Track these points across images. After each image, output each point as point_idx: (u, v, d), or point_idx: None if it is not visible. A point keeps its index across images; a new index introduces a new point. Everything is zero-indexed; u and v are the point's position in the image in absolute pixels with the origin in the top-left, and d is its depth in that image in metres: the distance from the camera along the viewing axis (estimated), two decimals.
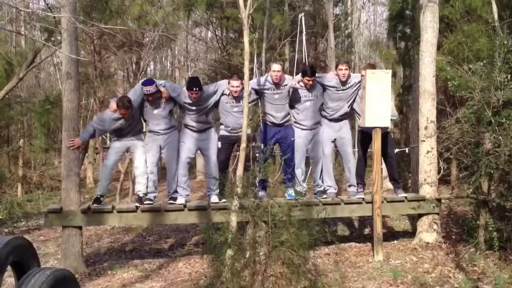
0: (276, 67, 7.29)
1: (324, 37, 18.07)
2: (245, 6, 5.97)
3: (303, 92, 7.51)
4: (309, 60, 12.36)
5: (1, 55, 15.66)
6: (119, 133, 7.36)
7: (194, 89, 7.08)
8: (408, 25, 14.68)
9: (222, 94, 7.40)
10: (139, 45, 12.70)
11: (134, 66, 13.21)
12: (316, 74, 7.55)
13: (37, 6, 14.59)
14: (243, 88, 7.13)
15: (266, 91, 7.44)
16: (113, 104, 7.06)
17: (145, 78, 7.52)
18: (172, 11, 13.19)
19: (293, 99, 7.55)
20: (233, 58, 16.18)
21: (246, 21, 6.00)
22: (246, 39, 6.09)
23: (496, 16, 9.11)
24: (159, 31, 12.03)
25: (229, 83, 7.33)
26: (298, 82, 7.44)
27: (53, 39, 12.28)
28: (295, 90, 7.45)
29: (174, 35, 14.88)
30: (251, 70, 10.63)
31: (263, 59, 12.98)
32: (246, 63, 6.15)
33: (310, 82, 7.36)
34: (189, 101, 7.23)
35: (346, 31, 22.32)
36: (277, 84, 7.36)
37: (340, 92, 7.56)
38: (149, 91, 7.04)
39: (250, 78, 6.89)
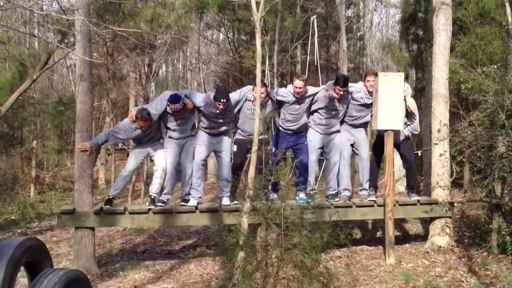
0: (298, 83, 7.19)
1: (336, 39, 18.00)
2: (257, 8, 5.98)
3: (332, 102, 7.44)
4: (320, 62, 12.30)
5: (15, 56, 15.85)
6: (138, 141, 7.43)
7: (222, 100, 6.95)
8: (420, 27, 14.59)
9: (245, 100, 7.34)
10: (151, 47, 12.74)
11: (146, 68, 13.25)
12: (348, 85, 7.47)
13: (51, 9, 14.67)
14: (267, 95, 7.14)
15: (286, 102, 7.42)
16: (133, 114, 7.06)
17: (171, 93, 7.15)
18: (184, 14, 13.22)
19: (322, 106, 7.47)
20: (245, 60, 16.16)
21: (258, 23, 6.00)
22: (258, 42, 6.10)
23: (509, 19, 9.06)
24: (172, 33, 12.06)
25: (253, 89, 7.19)
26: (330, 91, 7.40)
27: (66, 41, 12.39)
28: (331, 99, 7.37)
29: (186, 37, 14.89)
30: (263, 72, 10.63)
31: (275, 61, 12.99)
32: (258, 65, 6.15)
33: (341, 93, 7.28)
34: (216, 111, 7.14)
35: (358, 34, 22.26)
36: (299, 97, 7.35)
37: (366, 103, 7.54)
38: (176, 108, 6.98)
39: (262, 80, 6.88)
